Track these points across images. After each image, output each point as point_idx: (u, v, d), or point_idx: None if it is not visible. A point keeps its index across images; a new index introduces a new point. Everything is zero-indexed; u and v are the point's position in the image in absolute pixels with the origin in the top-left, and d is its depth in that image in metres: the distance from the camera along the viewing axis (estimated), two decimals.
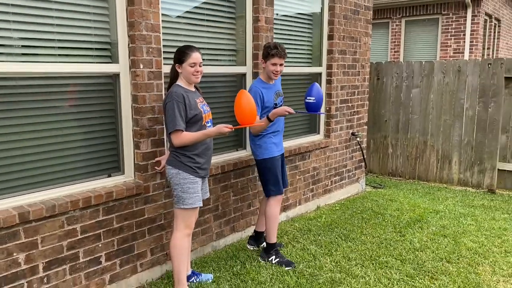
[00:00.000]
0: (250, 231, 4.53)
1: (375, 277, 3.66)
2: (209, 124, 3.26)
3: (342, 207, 5.54)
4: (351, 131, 5.90)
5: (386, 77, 7.53)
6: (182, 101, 3.05)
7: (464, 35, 10.17)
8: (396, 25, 11.20)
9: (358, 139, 6.05)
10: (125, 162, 3.41)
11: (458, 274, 3.73)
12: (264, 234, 4.18)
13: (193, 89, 3.22)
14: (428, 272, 3.77)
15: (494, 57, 11.76)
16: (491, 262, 3.99)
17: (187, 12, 3.79)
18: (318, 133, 5.47)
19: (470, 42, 10.11)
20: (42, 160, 2.97)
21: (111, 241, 3.27)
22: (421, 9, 10.57)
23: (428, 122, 7.27)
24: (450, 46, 10.40)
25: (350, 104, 5.80)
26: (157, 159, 3.50)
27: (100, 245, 3.20)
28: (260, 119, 3.74)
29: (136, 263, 3.47)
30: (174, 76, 3.23)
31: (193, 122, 3.12)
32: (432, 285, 3.53)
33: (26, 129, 2.87)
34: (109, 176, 3.35)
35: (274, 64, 3.71)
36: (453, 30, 10.33)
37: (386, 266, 3.86)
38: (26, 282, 2.82)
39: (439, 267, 3.86)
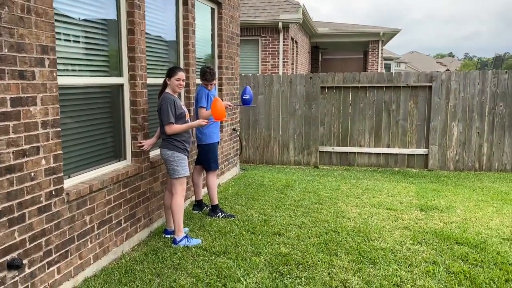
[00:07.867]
0: (187, 202, 5.98)
1: (286, 214, 5.66)
2: (188, 120, 4.73)
3: (236, 183, 7.41)
4: (232, 127, 7.79)
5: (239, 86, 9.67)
6: (172, 103, 4.48)
7: (278, 53, 13.17)
8: None
9: (237, 133, 7.99)
10: (127, 150, 4.57)
11: (329, 208, 6.03)
12: (203, 201, 5.76)
13: (177, 96, 4.64)
14: (313, 209, 5.96)
15: (296, 71, 15.29)
16: (342, 201, 6.44)
17: (159, 45, 5.09)
18: None
19: (283, 59, 13.16)
20: (84, 148, 3.99)
21: (126, 208, 4.42)
22: (246, 31, 13.15)
23: (271, 120, 9.72)
24: (269, 62, 13.28)
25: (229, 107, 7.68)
26: (141, 141, 4.64)
27: (121, 211, 4.33)
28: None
29: (137, 225, 4.65)
30: (164, 86, 4.60)
31: (179, 118, 4.56)
32: (319, 214, 5.72)
33: (76, 126, 3.87)
34: (119, 161, 4.48)
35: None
36: (270, 49, 13.23)
37: (289, 209, 5.91)
38: (89, 237, 3.84)
39: (317, 206, 6.11)
